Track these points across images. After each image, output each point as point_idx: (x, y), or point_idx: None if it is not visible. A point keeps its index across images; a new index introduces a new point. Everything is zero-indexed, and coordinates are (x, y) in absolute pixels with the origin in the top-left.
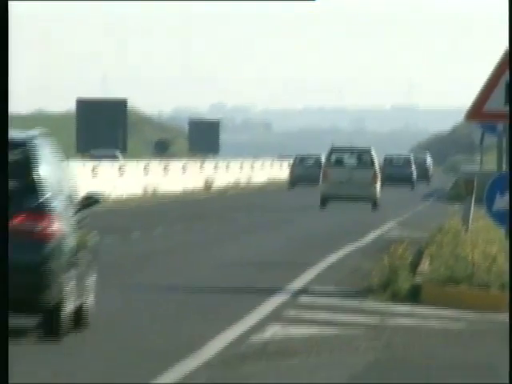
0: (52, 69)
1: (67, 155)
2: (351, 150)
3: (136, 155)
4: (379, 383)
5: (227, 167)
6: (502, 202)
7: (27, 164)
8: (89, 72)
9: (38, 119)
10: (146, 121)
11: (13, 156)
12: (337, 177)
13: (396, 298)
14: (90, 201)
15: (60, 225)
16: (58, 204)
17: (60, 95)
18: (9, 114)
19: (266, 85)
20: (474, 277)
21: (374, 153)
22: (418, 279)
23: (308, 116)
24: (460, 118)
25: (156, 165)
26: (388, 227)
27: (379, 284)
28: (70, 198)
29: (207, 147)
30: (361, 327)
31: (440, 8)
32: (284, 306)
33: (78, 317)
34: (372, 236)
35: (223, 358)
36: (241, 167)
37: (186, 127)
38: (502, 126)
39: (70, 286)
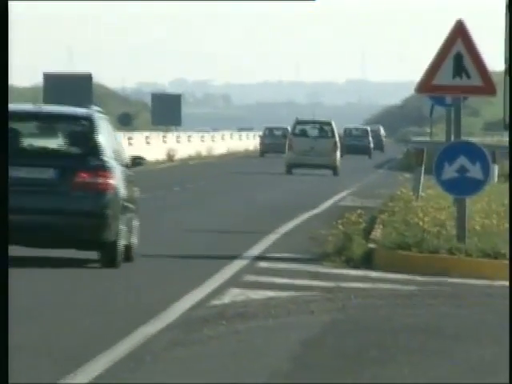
0: (17, 43)
1: None
2: (313, 123)
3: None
4: (335, 343)
5: (189, 139)
6: (450, 171)
7: (90, 133)
8: (54, 46)
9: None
10: (110, 95)
11: (79, 127)
12: (300, 146)
13: (350, 263)
14: (135, 161)
15: (114, 180)
16: (112, 163)
17: (26, 70)
18: None
19: (225, 60)
20: (423, 242)
21: (334, 125)
22: (371, 245)
23: (266, 90)
24: (410, 91)
25: (120, 137)
26: (343, 195)
27: (334, 250)
28: (120, 159)
29: (169, 120)
30: (317, 291)
31: None
32: (243, 271)
33: (128, 252)
34: (329, 203)
35: (185, 321)
36: (202, 139)
37: (149, 101)
38: (450, 98)
39: (122, 227)
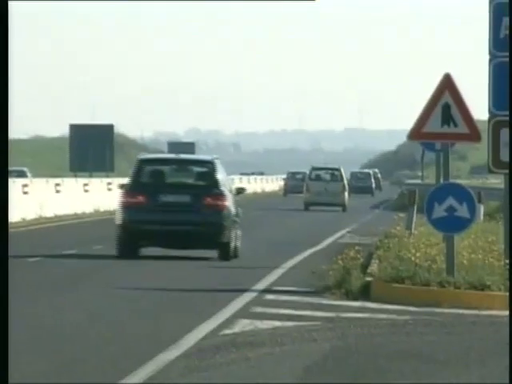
0: (46, 97)
1: (61, 173)
2: (326, 169)
3: (123, 172)
4: (335, 368)
5: None
6: (439, 211)
7: (212, 172)
8: (79, 100)
9: (36, 142)
10: (130, 143)
11: (204, 168)
12: (316, 188)
13: (349, 295)
14: (238, 191)
15: (228, 202)
16: (226, 191)
17: (54, 121)
18: (11, 140)
19: (235, 111)
20: (416, 276)
21: (342, 170)
22: (368, 278)
23: (272, 138)
24: (403, 138)
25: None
26: (343, 233)
27: (335, 283)
28: (230, 189)
29: None
30: (318, 320)
31: (384, 48)
32: (251, 303)
33: (235, 251)
34: (330, 240)
35: (199, 349)
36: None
37: (166, 148)
38: (439, 144)
39: (232, 233)
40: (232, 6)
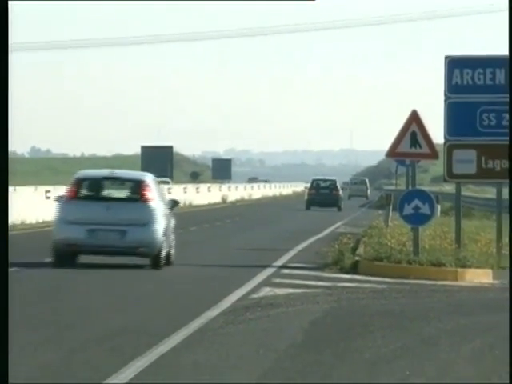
0: (124, 122)
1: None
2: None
3: (178, 181)
4: (332, 323)
5: (236, 188)
6: (408, 209)
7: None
8: (148, 126)
9: (116, 158)
10: (184, 160)
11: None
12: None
13: (343, 270)
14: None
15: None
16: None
17: (130, 141)
18: (99, 157)
19: (260, 136)
20: (391, 256)
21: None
22: (357, 258)
23: (287, 155)
24: (382, 156)
25: (191, 187)
26: (338, 225)
27: (332, 261)
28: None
29: (224, 176)
30: (320, 288)
31: (367, 86)
32: (272, 275)
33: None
34: (328, 230)
35: (233, 308)
36: (245, 188)
37: (210, 163)
38: (408, 161)
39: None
40: (267, 47)
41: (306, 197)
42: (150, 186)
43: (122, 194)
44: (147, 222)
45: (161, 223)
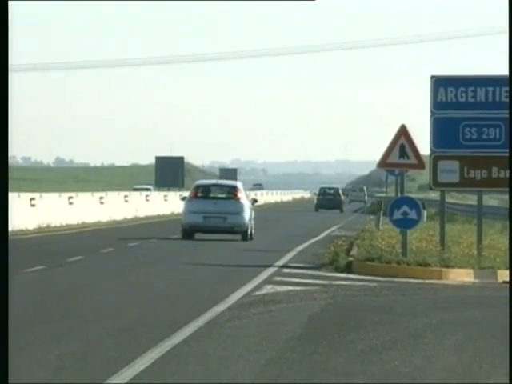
0: (140, 135)
1: (149, 189)
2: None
3: (190, 188)
4: (328, 317)
5: None
6: (397, 214)
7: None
8: (162, 138)
9: (134, 168)
10: (194, 169)
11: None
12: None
13: (338, 269)
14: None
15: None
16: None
17: (145, 152)
18: (117, 166)
19: (263, 148)
20: (382, 257)
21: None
22: (351, 258)
23: (287, 165)
24: (374, 166)
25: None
26: (334, 229)
27: (328, 261)
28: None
29: None
30: (317, 286)
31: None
32: (273, 274)
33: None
34: (325, 234)
35: (239, 304)
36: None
37: (218, 172)
38: (397, 170)
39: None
40: (273, 61)
41: (315, 201)
42: (240, 190)
43: (223, 194)
44: (239, 211)
45: (247, 212)
